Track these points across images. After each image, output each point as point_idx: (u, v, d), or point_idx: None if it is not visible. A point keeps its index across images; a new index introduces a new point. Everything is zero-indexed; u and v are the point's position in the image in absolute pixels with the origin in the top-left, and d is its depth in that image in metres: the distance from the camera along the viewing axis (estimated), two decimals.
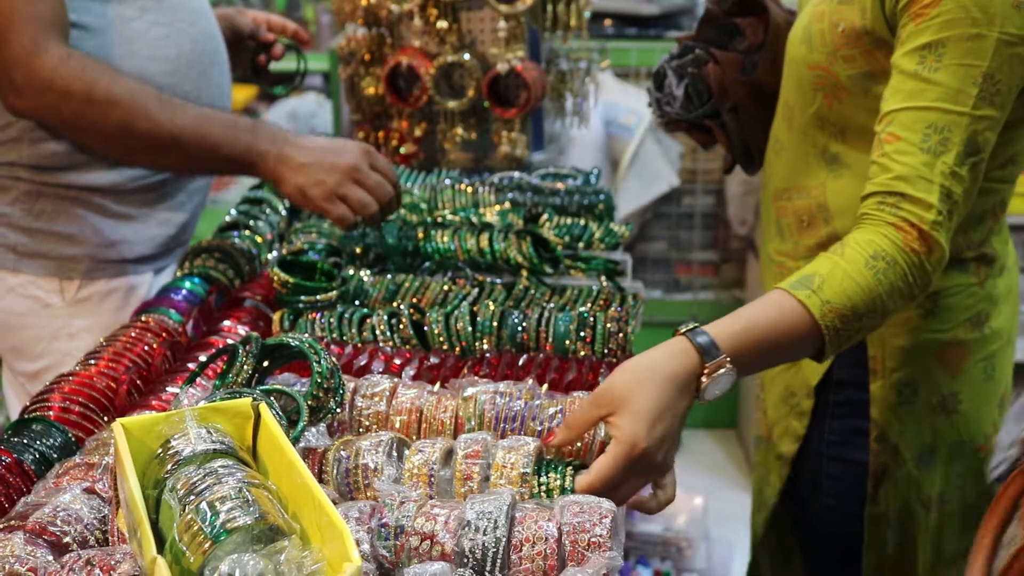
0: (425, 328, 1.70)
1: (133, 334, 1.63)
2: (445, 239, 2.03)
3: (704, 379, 1.35)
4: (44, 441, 1.37)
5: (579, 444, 1.37)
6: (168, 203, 2.12)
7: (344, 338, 1.71)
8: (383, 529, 1.13)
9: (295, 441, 1.27)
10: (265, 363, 1.42)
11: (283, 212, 2.25)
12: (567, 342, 1.67)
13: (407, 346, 1.69)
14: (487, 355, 1.64)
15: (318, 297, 1.81)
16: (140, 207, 2.07)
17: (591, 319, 1.67)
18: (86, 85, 1.82)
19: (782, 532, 2.07)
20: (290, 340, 1.41)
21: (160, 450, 1.06)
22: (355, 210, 1.91)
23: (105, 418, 1.46)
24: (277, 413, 1.24)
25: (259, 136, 1.91)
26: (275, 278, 1.82)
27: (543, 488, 1.25)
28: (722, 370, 1.35)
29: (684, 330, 1.37)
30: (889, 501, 1.85)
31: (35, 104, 1.84)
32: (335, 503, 1.10)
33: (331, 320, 1.73)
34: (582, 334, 1.66)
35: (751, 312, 1.43)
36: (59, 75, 1.80)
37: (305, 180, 1.89)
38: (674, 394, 1.32)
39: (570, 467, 1.27)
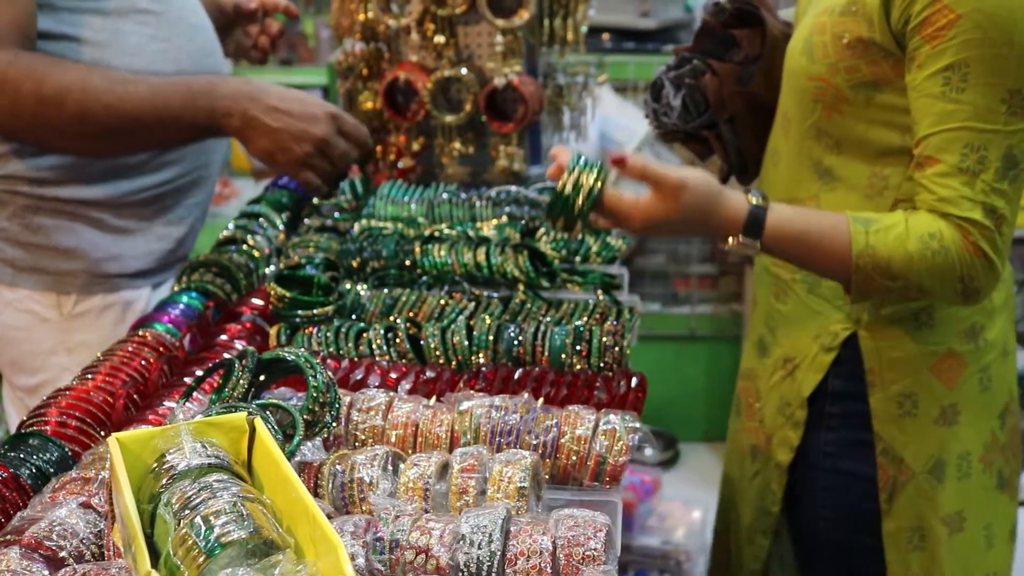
0: (421, 342, 1.70)
1: (130, 348, 1.63)
2: (442, 253, 2.04)
3: (730, 241, 1.62)
4: (41, 455, 1.37)
5: (575, 459, 1.37)
6: (166, 217, 2.11)
7: (340, 352, 1.71)
8: (378, 543, 1.13)
9: (290, 455, 1.27)
10: (261, 377, 1.43)
11: (280, 226, 2.26)
12: (563, 356, 1.67)
13: (403, 360, 1.69)
14: (483, 369, 1.64)
15: (315, 311, 1.81)
16: (138, 221, 2.07)
17: (587, 333, 1.68)
18: (35, 83, 1.80)
19: (779, 540, 2.06)
20: (286, 354, 1.41)
21: (155, 464, 1.06)
22: (320, 178, 1.99)
23: (102, 432, 1.46)
24: (272, 427, 1.24)
25: (218, 97, 1.90)
26: (272, 292, 1.82)
27: (576, 181, 1.33)
28: (747, 247, 1.61)
29: (756, 202, 1.62)
30: (904, 516, 1.84)
31: None
32: (330, 517, 1.10)
33: (328, 334, 1.74)
34: (578, 348, 1.67)
35: (813, 222, 1.64)
36: (8, 77, 1.79)
37: (273, 146, 1.92)
38: (697, 228, 1.65)
39: (606, 175, 1.34)
